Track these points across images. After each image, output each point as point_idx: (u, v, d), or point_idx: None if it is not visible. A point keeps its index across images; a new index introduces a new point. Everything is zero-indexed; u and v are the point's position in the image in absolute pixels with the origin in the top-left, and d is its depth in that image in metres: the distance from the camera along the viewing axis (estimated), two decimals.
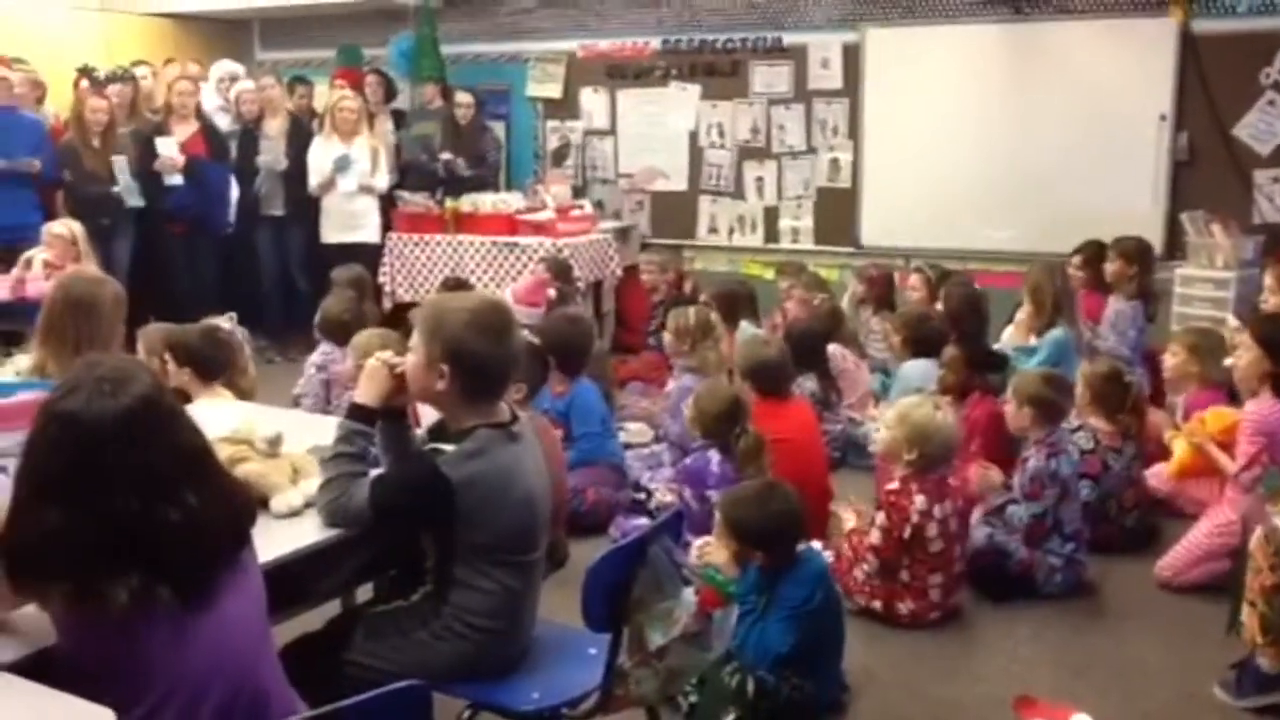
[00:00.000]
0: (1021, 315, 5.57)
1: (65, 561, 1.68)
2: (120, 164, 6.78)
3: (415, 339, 2.38)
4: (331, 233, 7.38)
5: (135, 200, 6.86)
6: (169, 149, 7.01)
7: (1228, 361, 4.27)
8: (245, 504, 1.95)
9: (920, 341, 5.02)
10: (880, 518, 3.64)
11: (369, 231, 7.40)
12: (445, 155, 7.65)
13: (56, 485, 1.71)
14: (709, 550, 3.10)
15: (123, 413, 1.73)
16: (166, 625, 1.74)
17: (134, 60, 8.04)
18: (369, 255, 7.15)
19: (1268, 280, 5.26)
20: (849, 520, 3.92)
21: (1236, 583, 3.20)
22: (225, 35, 9.26)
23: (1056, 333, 5.37)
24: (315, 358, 5.05)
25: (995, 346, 5.36)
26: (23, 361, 3.28)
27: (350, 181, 7.23)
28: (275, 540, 2.22)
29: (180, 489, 1.76)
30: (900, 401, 3.93)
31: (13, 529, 1.73)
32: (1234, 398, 4.57)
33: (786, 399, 4.48)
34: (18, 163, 6.52)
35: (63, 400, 1.74)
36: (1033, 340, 5.42)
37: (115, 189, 6.75)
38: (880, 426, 3.97)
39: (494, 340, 2.35)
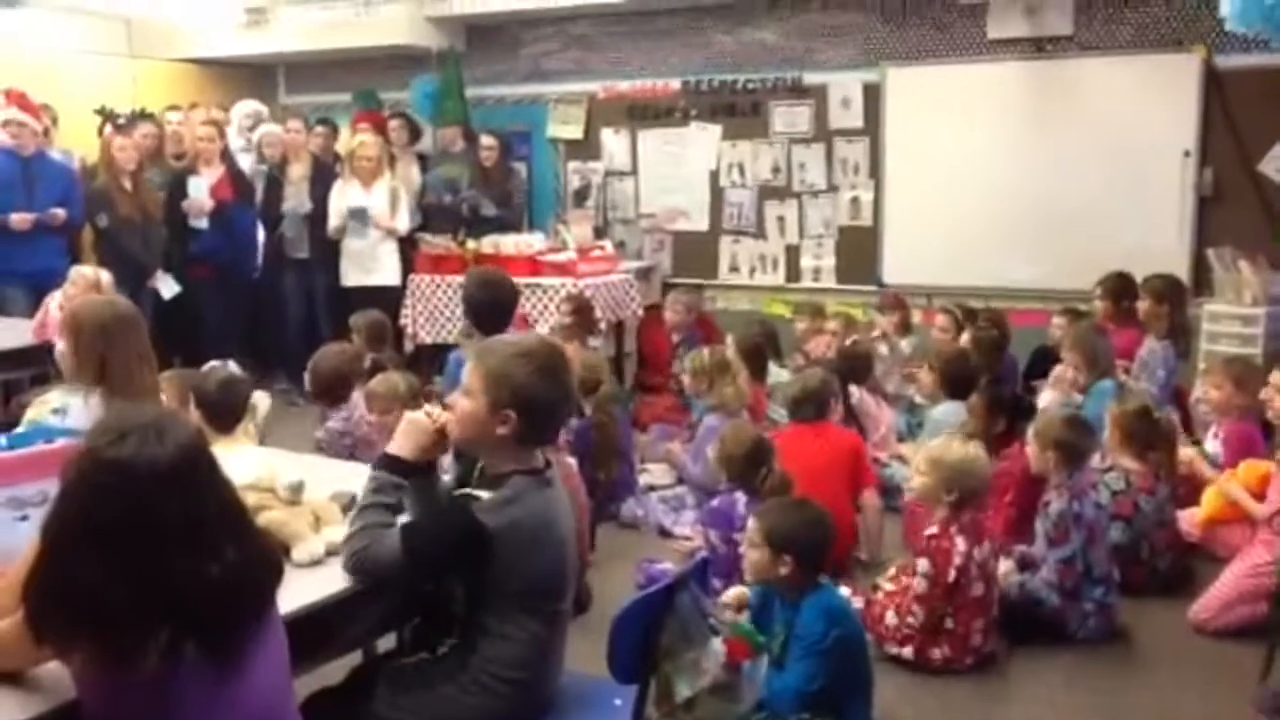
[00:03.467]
0: (1063, 371, 5.33)
1: (97, 616, 1.63)
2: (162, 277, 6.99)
3: (474, 383, 2.33)
4: (351, 275, 7.41)
5: (169, 290, 7.01)
6: (199, 190, 7.08)
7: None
8: (275, 559, 1.91)
9: (955, 382, 4.98)
10: (924, 564, 3.58)
11: (388, 274, 7.41)
12: (468, 193, 7.68)
13: (103, 535, 1.65)
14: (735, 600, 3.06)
15: (174, 460, 1.69)
16: (194, 683, 1.71)
17: (166, 106, 8.13)
18: (389, 298, 7.17)
19: None
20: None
21: (1275, 625, 3.13)
22: (251, 80, 9.36)
23: (1106, 384, 5.27)
24: (335, 425, 4.66)
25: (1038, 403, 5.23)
26: (55, 398, 3.23)
27: (367, 232, 7.29)
28: (297, 590, 2.19)
29: (221, 542, 1.73)
30: (928, 445, 3.90)
31: (45, 579, 1.68)
32: (1268, 429, 4.54)
33: (823, 425, 4.52)
34: (45, 216, 6.55)
35: (112, 447, 1.68)
36: (1077, 397, 5.19)
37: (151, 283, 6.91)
38: (912, 472, 3.93)
39: (556, 383, 2.34)
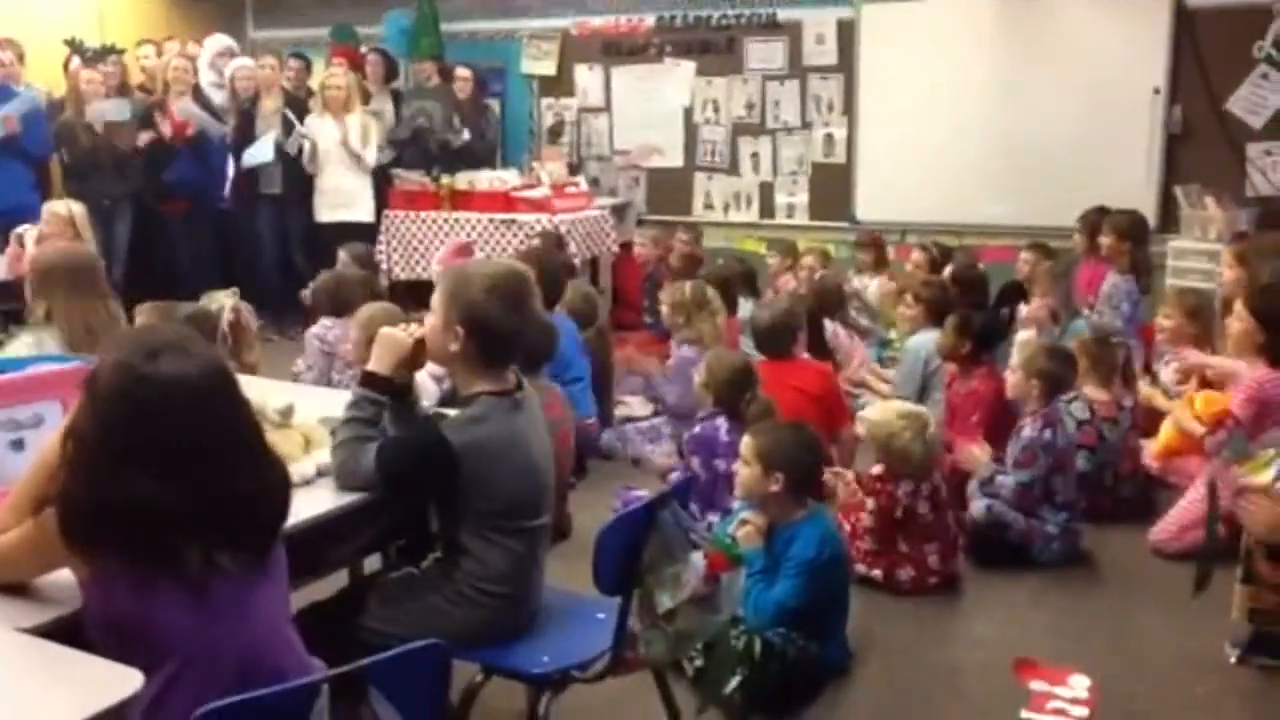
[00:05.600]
0: (1037, 310, 5.48)
1: (139, 525, 1.67)
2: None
3: (435, 300, 2.42)
4: (325, 211, 7.41)
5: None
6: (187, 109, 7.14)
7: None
8: (289, 480, 1.95)
9: (939, 310, 5.07)
10: (870, 503, 3.70)
11: (362, 210, 7.42)
12: (439, 127, 7.65)
13: (127, 444, 1.68)
14: (745, 532, 3.13)
15: (203, 377, 1.73)
16: (221, 592, 1.75)
17: (139, 40, 8.02)
18: (364, 234, 7.16)
19: (1226, 256, 5.33)
20: (840, 491, 3.93)
21: (1207, 545, 3.24)
22: (219, 13, 9.23)
23: (1079, 323, 5.42)
24: (316, 329, 5.03)
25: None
26: (27, 337, 3.33)
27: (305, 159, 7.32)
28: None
29: (249, 457, 1.79)
30: (872, 408, 4.01)
31: (83, 491, 1.70)
32: None
33: (790, 360, 4.55)
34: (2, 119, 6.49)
35: (148, 363, 1.70)
36: (1054, 331, 5.36)
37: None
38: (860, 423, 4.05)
39: (510, 307, 2.39)
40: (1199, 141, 6.71)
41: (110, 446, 1.70)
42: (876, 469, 3.74)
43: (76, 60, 7.37)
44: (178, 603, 1.73)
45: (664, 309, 5.22)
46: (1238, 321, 4.03)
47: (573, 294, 5.19)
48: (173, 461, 1.70)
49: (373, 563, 2.85)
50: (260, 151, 7.28)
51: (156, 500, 1.68)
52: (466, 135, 7.68)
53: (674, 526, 2.39)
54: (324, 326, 5.01)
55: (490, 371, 2.43)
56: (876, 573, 3.71)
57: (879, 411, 3.87)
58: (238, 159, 7.47)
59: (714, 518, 3.81)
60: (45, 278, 3.43)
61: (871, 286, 6.52)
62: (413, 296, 6.17)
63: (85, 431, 1.73)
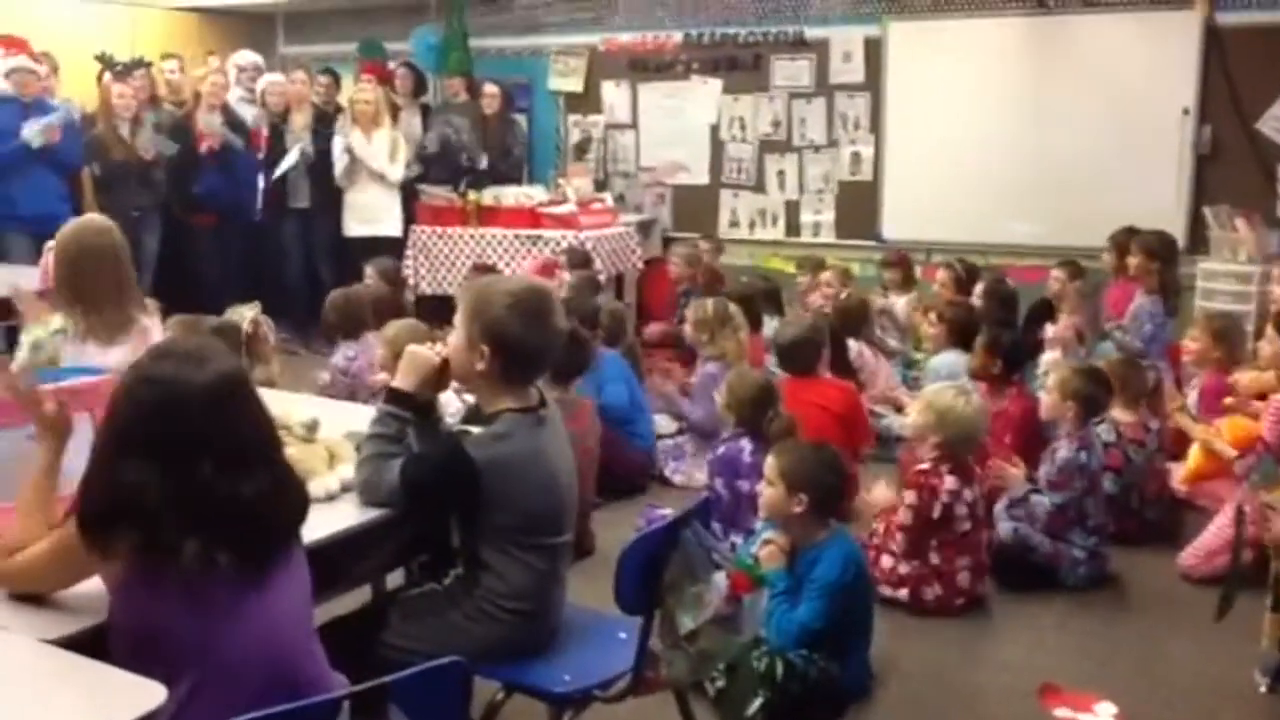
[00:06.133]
0: (1063, 330, 5.43)
1: (139, 511, 1.74)
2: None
3: (458, 319, 2.43)
4: (354, 226, 7.46)
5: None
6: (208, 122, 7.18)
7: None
8: (303, 493, 2.00)
9: (961, 333, 5.04)
10: (910, 496, 3.68)
11: (390, 225, 7.47)
12: (468, 142, 7.69)
13: (140, 442, 1.78)
14: (768, 551, 3.12)
15: (209, 384, 1.81)
16: (223, 596, 1.79)
17: (163, 54, 8.11)
18: (391, 249, 7.20)
19: (1277, 273, 5.29)
20: (878, 497, 3.91)
21: (1233, 570, 3.21)
22: (249, 29, 9.33)
23: (1107, 345, 5.41)
24: (337, 360, 4.90)
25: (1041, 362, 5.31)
26: (55, 321, 3.35)
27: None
28: (311, 524, 2.21)
29: (256, 465, 1.84)
30: (928, 388, 3.98)
31: (93, 478, 1.81)
32: None
33: (813, 378, 4.53)
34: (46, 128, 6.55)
35: (153, 364, 1.84)
36: (1081, 352, 5.31)
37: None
38: (911, 413, 4.02)
39: (534, 324, 2.38)
40: (1229, 162, 6.66)
41: (116, 439, 1.80)
42: (923, 465, 3.72)
43: (108, 75, 7.45)
44: (179, 604, 1.76)
45: (687, 327, 5.22)
46: (1269, 345, 4.00)
47: (601, 311, 5.21)
48: (171, 457, 1.77)
49: (395, 578, 2.85)
50: (288, 160, 7.33)
51: (153, 489, 1.75)
52: (485, 162, 7.70)
53: (697, 546, 2.39)
54: (345, 358, 4.91)
55: (514, 388, 2.43)
56: (902, 593, 3.68)
57: (929, 393, 3.86)
58: (268, 174, 7.52)
59: (737, 538, 3.80)
60: (66, 255, 3.43)
61: (900, 304, 6.49)
62: (436, 313, 6.18)
63: (100, 428, 1.87)
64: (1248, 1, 6.42)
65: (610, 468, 4.46)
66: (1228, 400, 4.45)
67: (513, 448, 2.36)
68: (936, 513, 3.63)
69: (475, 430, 2.38)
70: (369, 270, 6.14)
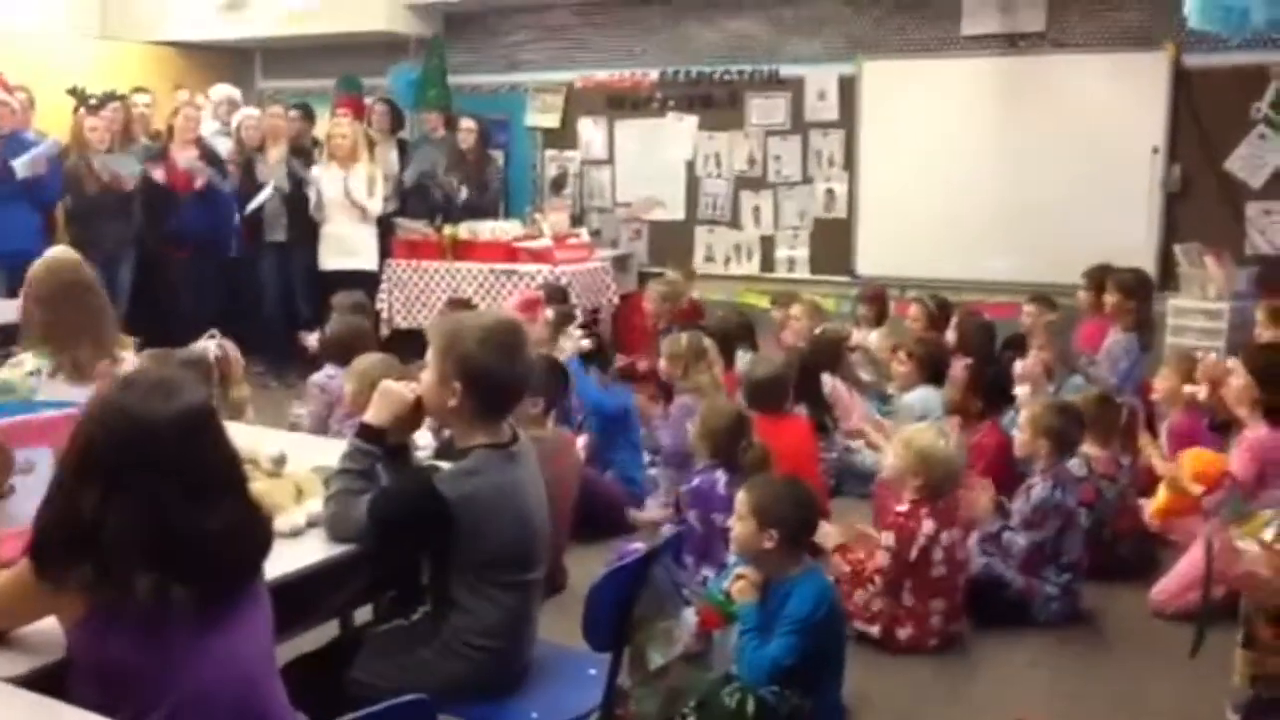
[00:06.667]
0: (1032, 367, 5.39)
1: (94, 544, 1.71)
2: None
3: (430, 356, 2.41)
4: (330, 259, 7.43)
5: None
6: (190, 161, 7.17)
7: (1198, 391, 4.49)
8: (267, 528, 1.97)
9: (931, 366, 5.05)
10: (888, 538, 3.66)
11: (366, 259, 7.44)
12: (443, 178, 7.70)
13: (101, 472, 1.75)
14: (740, 586, 3.10)
15: (174, 417, 1.79)
16: (181, 633, 1.76)
17: (134, 87, 8.09)
18: (367, 282, 7.18)
19: (1260, 315, 5.33)
20: (834, 537, 3.89)
21: (1204, 606, 3.21)
22: (227, 64, 9.33)
23: (1076, 379, 5.44)
24: (318, 377, 4.97)
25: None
26: (29, 362, 3.29)
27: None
28: (278, 559, 2.20)
29: (216, 501, 1.81)
30: (905, 429, 3.98)
31: (50, 506, 1.78)
32: (1213, 426, 4.67)
33: (783, 416, 4.52)
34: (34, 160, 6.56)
35: (119, 393, 1.83)
36: (1049, 389, 5.30)
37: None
38: (888, 452, 4.01)
39: (506, 358, 2.38)
40: (1198, 200, 6.74)
41: (76, 469, 1.77)
42: (902, 507, 3.71)
43: (82, 109, 7.43)
44: (138, 641, 1.73)
45: (662, 361, 5.22)
46: (1236, 378, 4.03)
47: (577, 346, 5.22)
48: (133, 488, 1.74)
49: (364, 614, 2.82)
50: (261, 196, 7.32)
51: (111, 522, 1.71)
52: (464, 194, 7.72)
53: (667, 581, 2.37)
54: (327, 375, 4.95)
55: (487, 424, 2.42)
56: (874, 629, 3.67)
57: (907, 434, 3.84)
58: (242, 208, 7.50)
59: (710, 571, 3.78)
60: (36, 291, 3.34)
61: (873, 338, 6.51)
62: (408, 347, 6.16)
63: (61, 458, 1.83)
64: (1214, 43, 6.52)
65: (592, 503, 4.44)
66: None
67: (484, 483, 2.34)
68: (913, 555, 3.63)
69: (445, 465, 2.37)
70: (337, 305, 6.07)
